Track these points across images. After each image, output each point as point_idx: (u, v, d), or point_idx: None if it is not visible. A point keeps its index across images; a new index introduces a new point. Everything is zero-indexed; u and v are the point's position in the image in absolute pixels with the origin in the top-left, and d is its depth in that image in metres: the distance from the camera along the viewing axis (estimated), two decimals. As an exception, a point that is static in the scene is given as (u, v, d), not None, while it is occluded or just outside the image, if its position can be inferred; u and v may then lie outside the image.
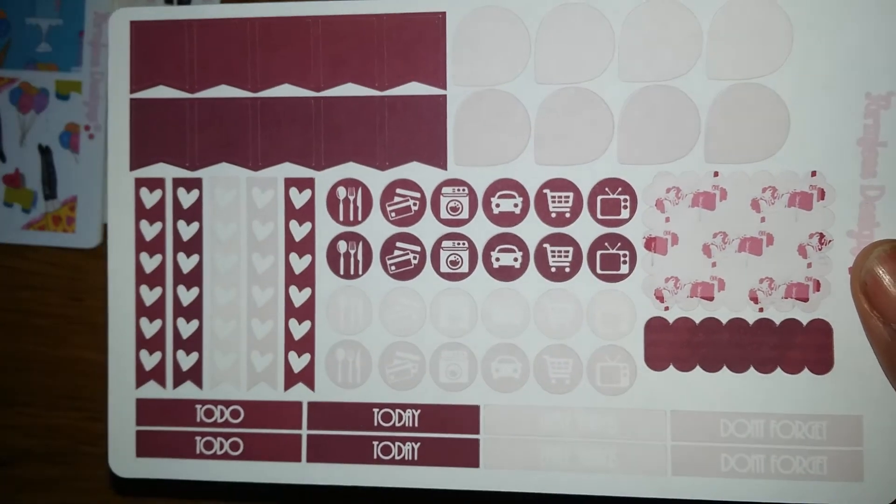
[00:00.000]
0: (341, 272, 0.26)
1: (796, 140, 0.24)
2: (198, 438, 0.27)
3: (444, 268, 0.26)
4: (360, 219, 0.26)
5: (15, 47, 0.36)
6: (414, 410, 0.26)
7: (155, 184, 0.27)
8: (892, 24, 0.24)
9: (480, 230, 0.26)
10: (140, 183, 0.27)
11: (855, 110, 0.24)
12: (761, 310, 0.25)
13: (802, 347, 0.25)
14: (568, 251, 0.25)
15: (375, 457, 0.26)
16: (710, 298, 0.25)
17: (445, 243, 0.26)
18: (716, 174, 0.25)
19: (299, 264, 0.26)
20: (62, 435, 0.37)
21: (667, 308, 0.25)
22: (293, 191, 0.26)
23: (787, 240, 0.25)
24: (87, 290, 0.36)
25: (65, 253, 0.36)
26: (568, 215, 0.25)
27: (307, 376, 0.26)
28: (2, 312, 0.37)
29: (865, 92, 0.24)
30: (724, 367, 0.25)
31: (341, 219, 0.26)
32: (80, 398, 0.36)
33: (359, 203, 0.26)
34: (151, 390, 0.27)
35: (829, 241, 0.24)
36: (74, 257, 0.36)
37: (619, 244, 0.25)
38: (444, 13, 0.26)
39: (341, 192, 0.26)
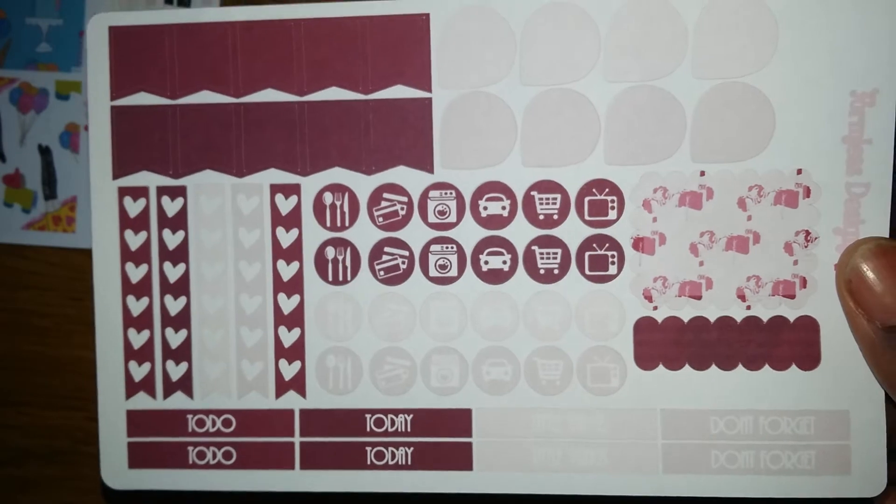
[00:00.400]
0: (330, 278, 0.26)
1: (782, 138, 0.24)
2: (190, 448, 0.27)
3: (432, 272, 0.26)
4: (347, 224, 0.26)
5: (15, 47, 0.36)
6: (406, 415, 0.26)
7: (139, 192, 0.26)
8: (877, 22, 0.24)
9: (468, 233, 0.26)
10: (123, 192, 0.26)
11: (840, 108, 0.24)
12: (749, 308, 0.25)
13: (790, 344, 0.25)
14: (556, 253, 0.25)
15: (369, 462, 0.26)
16: (698, 297, 0.25)
17: (434, 247, 0.26)
18: (702, 173, 0.25)
19: (287, 271, 0.26)
20: (61, 435, 0.37)
21: (655, 308, 0.25)
22: (279, 197, 0.26)
23: (773, 238, 0.25)
24: (87, 290, 0.36)
25: (65, 253, 0.37)
26: (556, 217, 0.25)
27: (298, 384, 0.26)
28: (2, 312, 0.37)
29: (851, 90, 0.24)
30: (713, 365, 0.25)
31: (328, 224, 0.26)
32: (79, 398, 0.37)
33: (346, 208, 0.26)
34: (142, 401, 0.27)
35: (815, 238, 0.25)
36: (74, 257, 0.37)
37: (606, 245, 0.25)
38: (427, 15, 0.25)
39: (328, 198, 0.26)
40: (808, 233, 0.25)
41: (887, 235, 0.24)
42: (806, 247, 0.25)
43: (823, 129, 0.24)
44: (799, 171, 0.24)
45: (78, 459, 0.37)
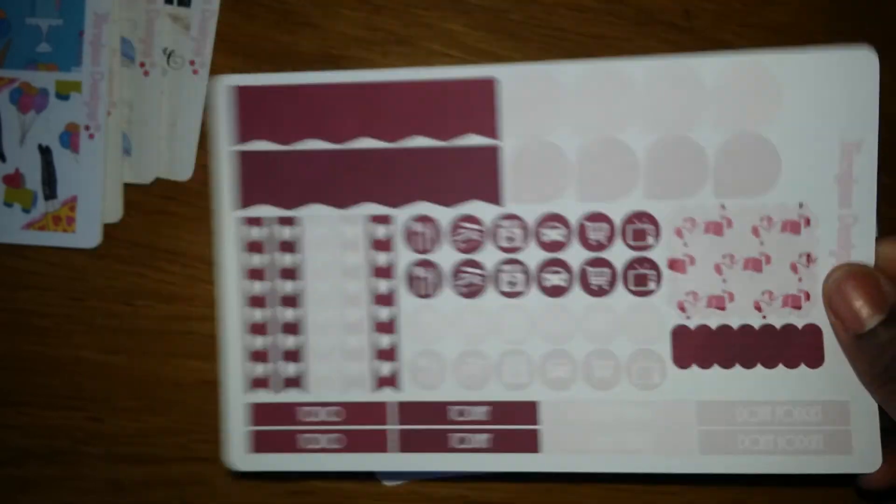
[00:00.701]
0: (419, 293, 0.31)
1: (787, 178, 0.30)
2: (303, 435, 0.31)
3: (503, 287, 0.31)
4: (432, 248, 0.31)
5: (15, 47, 0.36)
6: (484, 406, 0.31)
7: (259, 222, 0.31)
8: (859, 86, 0.29)
9: (533, 256, 0.31)
10: (246, 221, 0.31)
11: (833, 154, 0.29)
12: (764, 317, 0.30)
13: (799, 347, 0.30)
14: (605, 272, 0.31)
15: (454, 446, 0.31)
16: (723, 309, 0.30)
17: (504, 267, 0.31)
18: (723, 207, 0.30)
19: (383, 287, 0.31)
20: (61, 435, 0.37)
21: (688, 317, 0.30)
22: (375, 226, 0.31)
23: (781, 259, 0.30)
24: (87, 290, 0.36)
25: (65, 253, 0.36)
26: (605, 242, 0.31)
27: (394, 380, 0.31)
28: (2, 312, 0.37)
29: (840, 140, 0.29)
30: (737, 365, 0.30)
31: (416, 248, 0.31)
32: (80, 398, 0.36)
33: (430, 235, 0.31)
34: (261, 395, 0.31)
35: (815, 259, 0.30)
36: (74, 257, 0.36)
37: (647, 265, 0.31)
38: (495, 79, 0.31)
39: (416, 226, 0.31)
40: (809, 255, 0.30)
41: (872, 257, 0.29)
42: (808, 266, 0.30)
43: (820, 171, 0.29)
44: (801, 205, 0.30)
45: (78, 459, 0.36)
